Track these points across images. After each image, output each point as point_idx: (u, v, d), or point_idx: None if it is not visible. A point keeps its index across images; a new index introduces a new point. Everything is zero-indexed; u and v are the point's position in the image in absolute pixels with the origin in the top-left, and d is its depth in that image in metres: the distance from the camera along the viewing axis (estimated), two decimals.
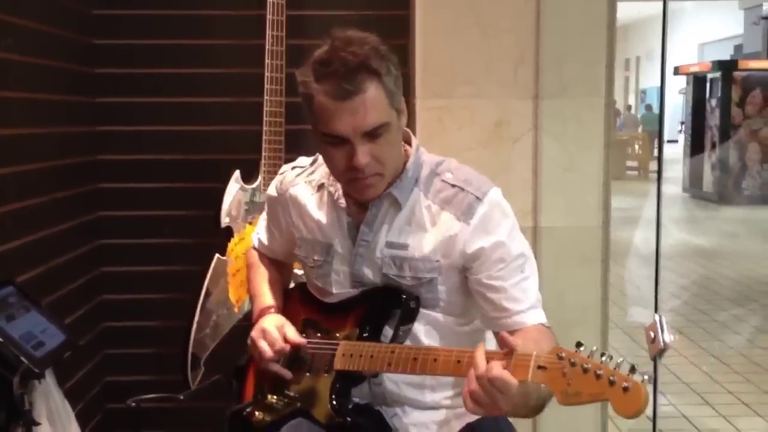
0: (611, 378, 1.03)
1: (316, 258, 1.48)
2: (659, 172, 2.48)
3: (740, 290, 6.01)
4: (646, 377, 1.04)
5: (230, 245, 2.36)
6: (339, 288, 1.46)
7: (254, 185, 2.37)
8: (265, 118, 2.31)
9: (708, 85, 12.01)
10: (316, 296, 1.52)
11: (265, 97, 2.31)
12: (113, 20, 2.57)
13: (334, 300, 1.47)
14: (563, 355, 1.08)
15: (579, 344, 1.09)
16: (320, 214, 1.47)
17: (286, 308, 1.56)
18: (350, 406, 1.40)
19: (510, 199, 1.41)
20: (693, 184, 11.86)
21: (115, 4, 2.57)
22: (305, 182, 1.51)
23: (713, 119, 11.68)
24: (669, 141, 17.13)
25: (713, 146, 11.53)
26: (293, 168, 1.55)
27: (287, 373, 1.44)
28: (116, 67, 2.57)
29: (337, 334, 1.42)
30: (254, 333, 1.46)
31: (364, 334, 1.38)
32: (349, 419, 1.35)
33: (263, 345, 1.42)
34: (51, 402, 1.78)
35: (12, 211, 1.99)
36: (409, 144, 1.43)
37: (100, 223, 2.61)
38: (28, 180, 2.10)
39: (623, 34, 19.99)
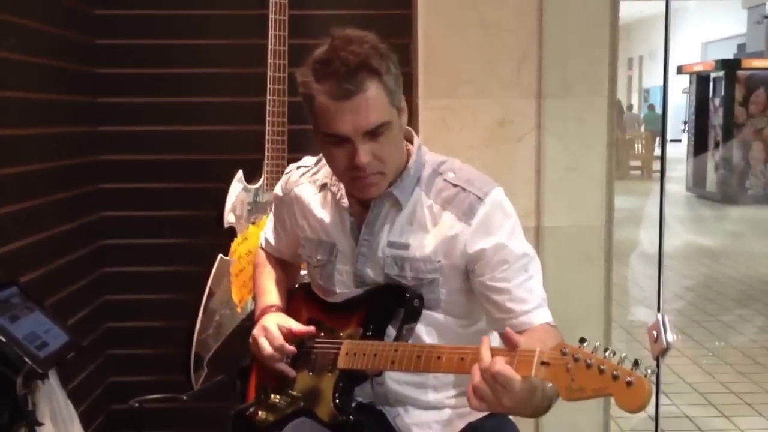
0: (615, 373, 1.03)
1: (319, 258, 1.48)
2: (662, 171, 2.47)
3: (743, 290, 6.00)
4: (649, 371, 1.03)
5: (233, 245, 2.36)
6: (342, 288, 1.46)
7: (257, 185, 2.37)
8: (267, 118, 2.31)
9: (711, 84, 11.99)
10: (319, 296, 1.52)
11: (268, 97, 2.31)
12: (115, 20, 2.57)
13: (337, 300, 1.47)
14: (567, 350, 1.08)
15: (582, 340, 1.09)
16: (323, 214, 1.47)
17: (289, 308, 1.57)
18: (353, 405, 1.40)
19: (513, 198, 1.41)
20: (696, 183, 11.85)
21: (116, 3, 2.57)
22: (309, 182, 1.51)
23: (716, 118, 11.66)
24: (672, 140, 17.11)
25: (717, 145, 11.51)
26: (298, 167, 1.56)
27: (291, 371, 1.44)
28: (118, 67, 2.58)
29: (341, 334, 1.42)
30: (255, 331, 1.46)
31: (368, 333, 1.38)
32: (352, 418, 1.35)
33: (263, 342, 1.42)
34: (54, 402, 1.78)
35: (14, 212, 2.00)
36: (411, 143, 1.43)
37: (102, 224, 2.61)
38: (30, 180, 2.10)
39: (626, 34, 19.97)
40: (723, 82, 11.53)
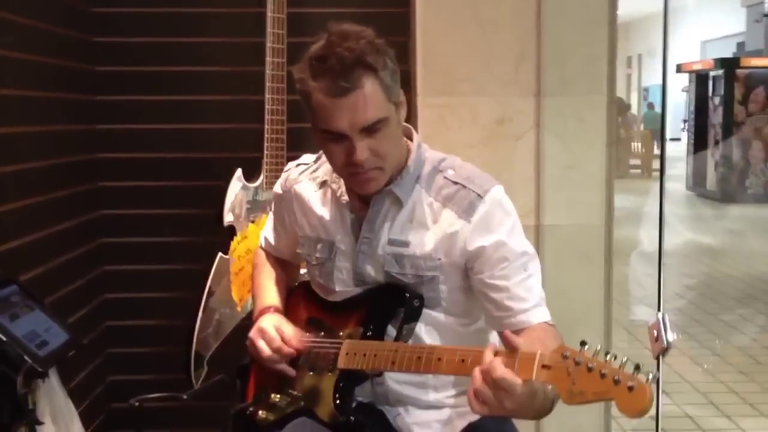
0: (616, 377, 1.03)
1: (318, 256, 1.48)
2: (662, 170, 2.47)
3: (744, 289, 6.00)
4: (650, 376, 1.03)
5: (233, 244, 2.36)
6: (342, 286, 1.45)
7: (256, 183, 2.37)
8: (266, 116, 2.31)
9: (710, 82, 11.99)
10: (319, 294, 1.52)
11: (267, 95, 2.31)
12: (113, 18, 2.57)
13: (337, 298, 1.47)
14: (568, 354, 1.07)
15: (583, 343, 1.08)
16: (323, 211, 1.47)
17: (289, 306, 1.56)
18: (354, 405, 1.40)
19: (512, 197, 1.41)
20: (696, 182, 11.85)
21: (115, 1, 2.57)
22: (309, 179, 1.51)
23: (716, 117, 11.66)
24: (672, 139, 17.11)
25: (716, 144, 11.51)
26: (297, 165, 1.55)
27: (291, 371, 1.44)
28: (116, 65, 2.57)
29: (341, 333, 1.42)
30: (252, 333, 1.46)
31: (368, 333, 1.38)
32: (352, 418, 1.35)
33: (261, 344, 1.42)
34: (54, 401, 1.78)
35: (14, 210, 2.00)
36: (411, 140, 1.43)
37: (102, 222, 2.61)
38: (29, 179, 2.10)
39: (625, 32, 19.97)
40: (722, 80, 11.53)
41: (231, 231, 2.36)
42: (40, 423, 1.68)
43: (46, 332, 1.74)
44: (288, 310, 1.55)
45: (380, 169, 1.33)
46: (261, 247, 1.69)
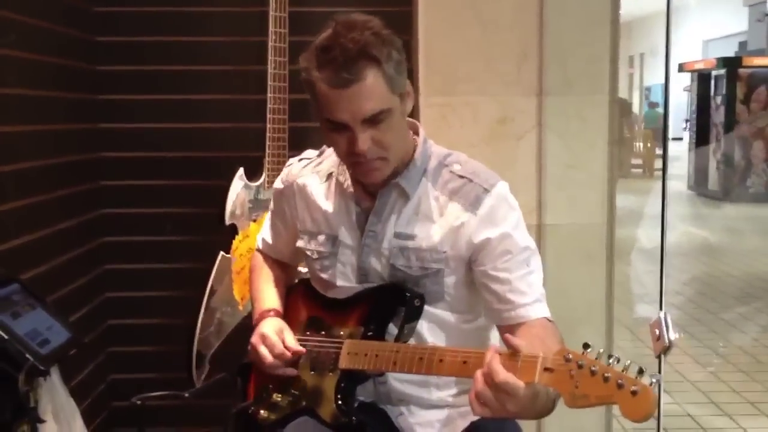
0: (619, 381, 1.02)
1: (320, 249, 1.47)
2: (664, 169, 2.47)
3: (745, 288, 5.99)
4: (654, 380, 1.02)
5: (234, 243, 2.36)
6: (343, 280, 1.45)
7: (258, 182, 2.37)
8: (268, 115, 2.31)
9: (712, 82, 11.97)
10: (319, 291, 1.52)
11: (269, 94, 2.31)
12: (115, 17, 2.57)
13: (337, 293, 1.46)
14: (570, 356, 1.07)
15: (586, 345, 1.08)
16: (327, 204, 1.47)
17: (288, 305, 1.56)
18: (356, 405, 1.39)
19: (514, 196, 1.41)
20: (698, 181, 11.83)
21: (116, 1, 2.57)
22: (313, 172, 1.51)
23: (718, 116, 11.64)
24: (674, 138, 17.08)
25: (718, 144, 11.49)
26: (300, 160, 1.55)
27: (292, 371, 1.44)
28: (118, 65, 2.58)
29: (342, 332, 1.41)
30: (254, 339, 1.45)
31: (369, 333, 1.38)
32: (354, 419, 1.35)
33: (263, 350, 1.42)
34: (56, 399, 1.78)
35: (15, 209, 2.00)
36: (417, 135, 1.44)
37: (103, 221, 2.61)
38: (31, 178, 2.10)
39: (627, 31, 19.91)
40: (724, 80, 11.51)
41: (233, 230, 2.36)
42: (42, 421, 1.68)
43: (48, 331, 1.74)
44: (288, 309, 1.54)
45: (383, 160, 1.33)
46: (258, 250, 1.68)
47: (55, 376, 1.78)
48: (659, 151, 13.16)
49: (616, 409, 1.05)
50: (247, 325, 2.33)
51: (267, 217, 1.65)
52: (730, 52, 15.63)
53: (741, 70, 11.46)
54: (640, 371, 1.03)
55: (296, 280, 1.69)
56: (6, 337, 1.62)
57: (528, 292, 1.34)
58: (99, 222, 2.60)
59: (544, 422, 2.28)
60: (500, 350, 1.15)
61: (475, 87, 2.27)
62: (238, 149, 2.49)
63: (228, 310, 2.37)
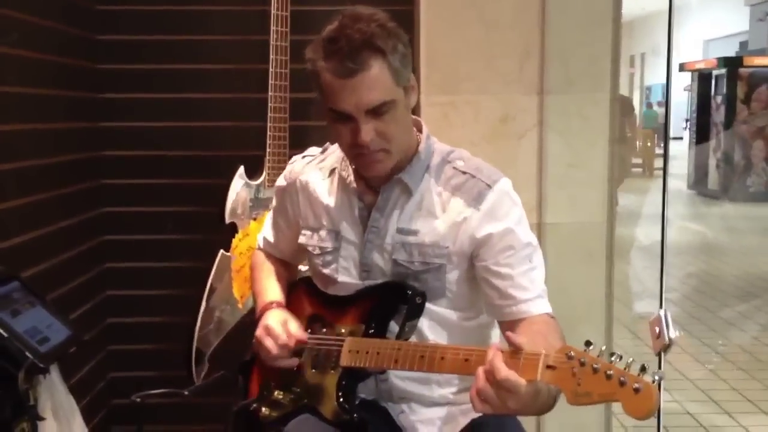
0: (622, 378, 1.02)
1: (323, 245, 1.47)
2: (665, 168, 2.47)
3: (745, 287, 5.99)
4: (657, 378, 1.02)
5: (234, 241, 2.36)
6: (345, 275, 1.45)
7: (258, 181, 2.37)
8: (269, 114, 2.31)
9: (713, 81, 11.97)
10: (320, 288, 1.52)
11: (270, 93, 2.31)
12: (116, 16, 2.57)
13: (339, 289, 1.46)
14: (573, 354, 1.07)
15: (588, 343, 1.08)
16: (330, 200, 1.47)
17: (290, 302, 1.56)
18: (357, 402, 1.39)
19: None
20: (698, 181, 11.83)
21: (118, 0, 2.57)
22: (316, 169, 1.51)
23: (718, 116, 11.63)
24: (673, 138, 17.07)
25: (718, 143, 11.49)
26: (303, 157, 1.56)
27: (295, 361, 1.43)
28: (119, 63, 2.57)
29: (343, 330, 1.42)
30: (258, 332, 1.45)
31: (370, 330, 1.38)
32: (355, 416, 1.35)
33: (268, 343, 1.41)
34: (56, 397, 1.78)
35: (16, 207, 2.00)
36: (420, 132, 1.44)
37: (104, 219, 2.61)
38: (32, 176, 2.10)
39: (628, 31, 19.87)
40: (725, 79, 11.51)
41: (233, 228, 2.36)
42: (42, 419, 1.68)
43: (48, 328, 1.74)
44: (289, 307, 1.54)
45: (386, 152, 1.34)
46: (259, 248, 1.68)
47: (54, 374, 1.78)
48: (658, 151, 13.17)
49: (615, 407, 1.05)
50: (247, 323, 2.35)
51: (268, 216, 1.65)
52: (731, 51, 15.62)
53: (742, 70, 11.45)
54: (643, 369, 1.03)
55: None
56: (6, 335, 1.62)
57: (530, 287, 1.34)
58: (99, 220, 2.60)
59: (545, 419, 2.28)
60: (502, 348, 1.15)
61: (476, 85, 2.27)
62: (238, 148, 2.49)
63: (227, 309, 2.37)
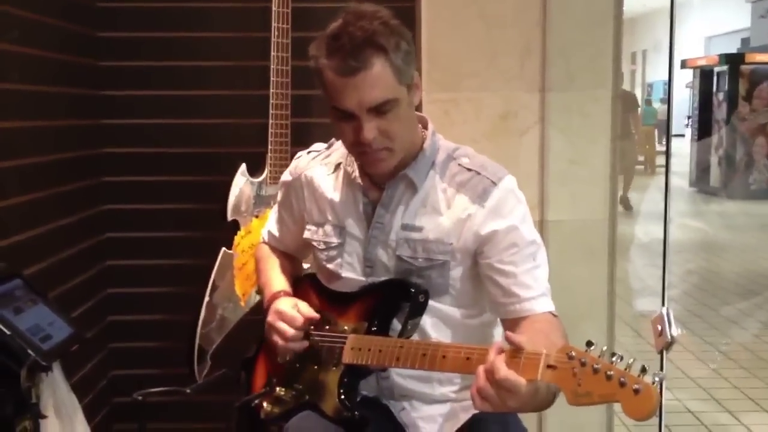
0: (622, 379, 1.02)
1: (327, 240, 1.47)
2: (667, 165, 2.47)
3: (746, 285, 5.99)
4: (657, 379, 1.02)
5: (236, 239, 2.36)
6: (349, 271, 1.45)
7: (260, 178, 2.37)
8: (270, 111, 2.31)
9: (715, 78, 11.95)
10: (324, 285, 1.52)
11: (271, 90, 2.30)
12: (117, 13, 2.56)
13: (342, 285, 1.47)
14: (573, 354, 1.07)
15: (589, 343, 1.08)
16: (335, 195, 1.47)
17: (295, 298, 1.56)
18: (358, 400, 1.40)
19: None
20: (700, 178, 11.81)
21: None
22: (322, 164, 1.51)
23: (720, 113, 11.62)
24: (675, 135, 17.05)
25: (720, 140, 11.47)
26: (309, 152, 1.56)
27: (305, 344, 1.41)
28: (120, 60, 2.57)
29: (346, 327, 1.42)
30: (270, 317, 1.44)
31: (373, 328, 1.38)
32: (357, 413, 1.35)
33: (282, 326, 1.40)
34: (58, 395, 1.78)
35: (18, 205, 2.00)
36: (426, 128, 1.44)
37: (105, 217, 2.61)
38: (33, 173, 2.10)
39: (629, 28, 19.86)
40: (726, 76, 11.49)
41: (235, 226, 2.36)
42: (44, 416, 1.68)
43: (50, 326, 1.74)
44: None
45: (389, 150, 1.34)
46: (263, 242, 1.68)
47: (56, 371, 1.78)
48: (660, 148, 13.15)
49: (617, 407, 1.05)
50: (249, 321, 2.35)
51: (273, 210, 1.65)
52: (733, 48, 15.58)
53: (743, 67, 11.43)
54: (643, 369, 1.03)
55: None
56: (8, 332, 1.62)
57: (533, 285, 1.34)
58: (101, 218, 2.60)
59: (546, 419, 2.28)
60: (503, 347, 1.15)
61: (477, 83, 2.27)
62: (240, 145, 2.49)
63: (230, 306, 2.37)
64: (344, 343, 1.38)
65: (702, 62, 12.84)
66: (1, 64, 1.95)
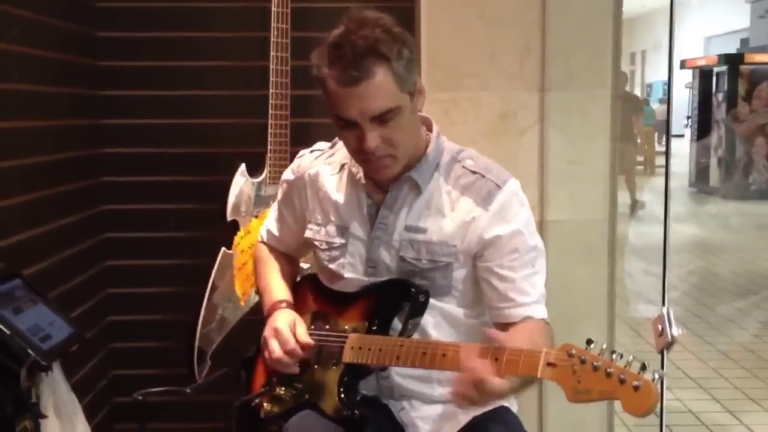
0: (622, 376, 1.03)
1: (330, 241, 1.47)
2: (667, 165, 2.47)
3: (745, 285, 5.99)
4: (657, 376, 1.03)
5: (236, 239, 2.36)
6: (351, 272, 1.45)
7: (260, 178, 2.37)
8: (270, 111, 2.31)
9: (714, 78, 11.95)
10: (326, 285, 1.52)
11: (270, 90, 2.30)
12: (116, 12, 2.56)
13: (344, 285, 1.47)
14: (573, 352, 1.08)
15: (589, 341, 1.09)
16: (339, 196, 1.47)
17: (296, 298, 1.56)
18: (358, 399, 1.40)
19: None
20: (699, 178, 11.82)
21: None
22: (325, 164, 1.51)
23: (719, 113, 11.62)
24: (675, 135, 17.06)
25: (719, 141, 11.48)
26: (312, 151, 1.55)
27: (296, 369, 1.43)
28: (120, 60, 2.57)
29: (346, 327, 1.42)
30: (267, 332, 1.44)
31: (373, 327, 1.38)
32: (356, 412, 1.35)
33: (273, 345, 1.41)
34: (58, 394, 1.78)
35: (17, 205, 2.00)
36: (430, 130, 1.44)
37: (105, 217, 2.61)
38: (32, 173, 2.10)
39: (629, 28, 19.85)
40: (726, 76, 11.50)
41: (234, 226, 2.36)
42: (44, 416, 1.68)
43: (50, 326, 1.74)
44: (295, 303, 1.54)
45: (392, 157, 1.34)
46: (262, 241, 1.68)
47: (56, 371, 1.78)
48: (659, 148, 13.16)
49: (617, 405, 1.06)
50: (249, 320, 2.35)
51: (273, 209, 1.65)
52: (732, 48, 15.59)
53: (743, 67, 11.44)
54: (643, 367, 1.04)
55: (299, 277, 1.69)
56: (8, 332, 1.62)
57: (530, 292, 1.35)
58: (100, 218, 2.60)
59: (546, 417, 2.28)
60: (503, 347, 1.15)
61: (477, 83, 2.27)
62: (239, 145, 2.49)
63: (229, 306, 2.37)
64: (344, 342, 1.38)
65: (701, 62, 12.85)
66: (1, 63, 1.95)
